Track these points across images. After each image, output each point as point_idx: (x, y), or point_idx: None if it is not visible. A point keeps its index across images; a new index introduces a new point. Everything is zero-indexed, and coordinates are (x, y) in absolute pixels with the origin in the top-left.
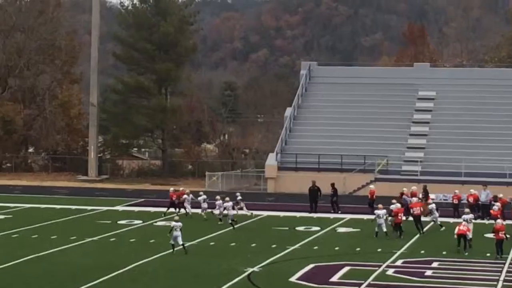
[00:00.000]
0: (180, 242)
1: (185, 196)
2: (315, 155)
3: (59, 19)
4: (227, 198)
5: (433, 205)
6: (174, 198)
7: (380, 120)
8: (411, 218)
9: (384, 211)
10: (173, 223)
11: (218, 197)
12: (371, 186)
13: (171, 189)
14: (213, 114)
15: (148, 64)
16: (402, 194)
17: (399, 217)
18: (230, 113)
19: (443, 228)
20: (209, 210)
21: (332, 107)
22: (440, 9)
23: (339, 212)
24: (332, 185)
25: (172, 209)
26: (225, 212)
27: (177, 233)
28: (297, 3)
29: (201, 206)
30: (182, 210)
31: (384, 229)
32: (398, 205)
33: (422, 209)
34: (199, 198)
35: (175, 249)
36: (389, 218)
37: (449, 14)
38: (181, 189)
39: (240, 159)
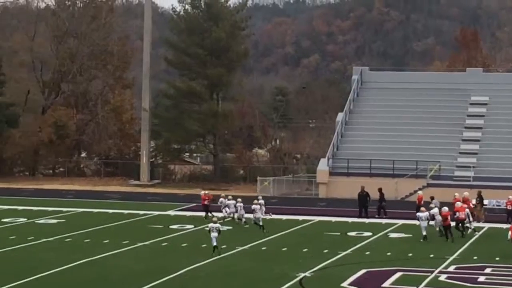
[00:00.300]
0: (214, 244)
1: (221, 199)
2: (367, 160)
3: (112, 25)
4: (239, 199)
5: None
6: (205, 202)
7: (432, 125)
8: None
9: (426, 213)
10: (211, 225)
11: (230, 197)
12: (419, 192)
13: (202, 192)
14: (265, 119)
15: (199, 69)
16: (432, 198)
17: (448, 221)
18: (282, 118)
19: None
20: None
21: (384, 112)
22: (492, 13)
23: (385, 217)
24: (380, 190)
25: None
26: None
27: (214, 234)
28: (348, 8)
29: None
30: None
31: (424, 233)
32: (445, 208)
33: (474, 214)
34: (227, 202)
35: (215, 251)
36: (432, 222)
37: (502, 18)
38: (204, 192)
39: (291, 164)
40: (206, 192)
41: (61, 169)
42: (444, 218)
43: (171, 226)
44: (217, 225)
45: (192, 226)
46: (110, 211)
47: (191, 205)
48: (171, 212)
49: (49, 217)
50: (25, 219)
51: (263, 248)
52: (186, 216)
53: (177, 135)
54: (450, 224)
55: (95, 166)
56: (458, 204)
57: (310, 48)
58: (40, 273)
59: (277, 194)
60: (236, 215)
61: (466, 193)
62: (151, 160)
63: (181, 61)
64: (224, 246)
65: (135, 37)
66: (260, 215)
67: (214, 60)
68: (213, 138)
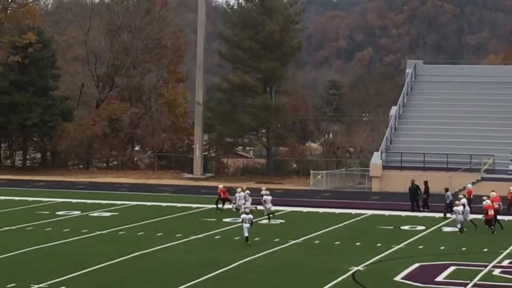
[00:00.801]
0: (246, 234)
1: (242, 192)
2: (420, 154)
3: (165, 18)
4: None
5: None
6: (222, 195)
7: (486, 119)
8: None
9: (461, 207)
10: (243, 216)
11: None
12: (469, 185)
13: (221, 186)
14: (318, 113)
15: (253, 62)
16: (446, 190)
17: (489, 213)
18: (335, 112)
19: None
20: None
21: (437, 106)
22: None
23: (427, 210)
24: (425, 183)
25: (228, 205)
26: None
27: (247, 224)
28: (402, 2)
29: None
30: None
31: (458, 226)
32: (488, 201)
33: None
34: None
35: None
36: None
37: None
38: (220, 186)
39: (344, 158)
40: (221, 186)
41: (115, 162)
42: (486, 211)
43: (224, 220)
44: (250, 216)
45: None
46: (164, 204)
47: None
48: (224, 206)
49: (103, 210)
50: (79, 212)
51: (316, 242)
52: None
53: (230, 128)
54: (492, 217)
55: (149, 159)
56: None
57: (364, 41)
58: (93, 265)
59: (330, 188)
60: (235, 205)
61: None
62: (204, 153)
63: (234, 54)
64: (277, 240)
65: (188, 31)
66: (271, 205)
67: (267, 53)
68: (266, 132)
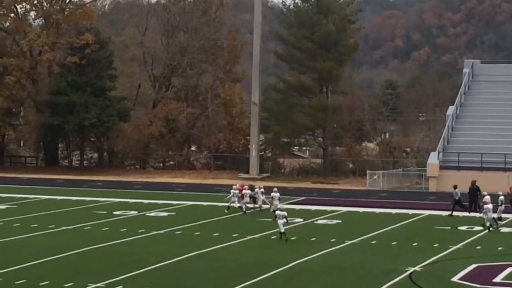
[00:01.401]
0: (282, 230)
1: (256, 189)
2: (478, 154)
3: (222, 19)
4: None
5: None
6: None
7: None
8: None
9: (491, 205)
10: (278, 212)
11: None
12: None
13: (237, 185)
14: (374, 113)
15: (309, 63)
16: (455, 187)
17: None
18: (391, 112)
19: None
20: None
21: (495, 105)
22: None
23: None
24: (473, 182)
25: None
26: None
27: (281, 221)
28: (459, 1)
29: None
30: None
31: (488, 224)
32: None
33: None
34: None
35: (282, 237)
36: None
37: None
38: (237, 185)
39: (401, 158)
40: (236, 185)
41: (171, 162)
42: None
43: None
44: (284, 212)
45: (301, 219)
46: (220, 204)
47: (300, 199)
48: (280, 206)
49: (160, 210)
50: (136, 212)
51: (373, 242)
52: (296, 209)
53: (286, 128)
54: None
55: (205, 159)
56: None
57: (420, 41)
58: (150, 265)
59: (387, 188)
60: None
61: None
62: (260, 153)
63: (290, 54)
64: (333, 240)
65: (245, 31)
66: (277, 202)
67: (323, 53)
68: (322, 132)
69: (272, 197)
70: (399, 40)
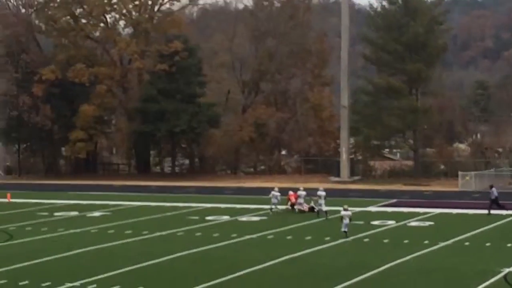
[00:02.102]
0: (343, 229)
1: (272, 193)
2: None
3: (309, 23)
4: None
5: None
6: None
7: None
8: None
9: None
10: (343, 213)
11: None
12: None
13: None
14: (465, 114)
15: (398, 65)
16: (491, 186)
17: None
18: (482, 112)
19: None
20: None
21: None
22: None
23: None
24: (491, 186)
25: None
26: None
27: (346, 221)
28: None
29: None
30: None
31: None
32: None
33: None
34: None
35: (348, 238)
36: None
37: None
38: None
39: (493, 158)
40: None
41: (262, 167)
42: None
43: (372, 222)
44: (349, 213)
45: (394, 221)
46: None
47: (392, 201)
48: (372, 208)
49: (252, 214)
50: (228, 217)
51: (466, 244)
52: (388, 212)
53: (376, 131)
54: None
55: (295, 163)
56: None
57: (511, 40)
58: (243, 269)
59: (479, 189)
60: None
61: None
62: (351, 156)
63: (379, 57)
64: (427, 242)
65: (332, 35)
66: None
67: (412, 55)
68: (412, 134)
69: (319, 196)
70: (488, 40)
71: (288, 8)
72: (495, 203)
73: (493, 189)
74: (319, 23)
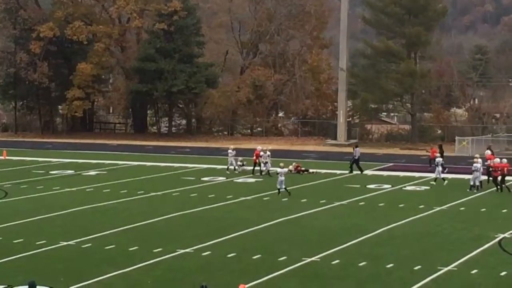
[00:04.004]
0: (283, 186)
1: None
2: None
3: None
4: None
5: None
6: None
7: None
8: None
9: (480, 164)
10: (279, 170)
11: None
12: None
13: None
14: (463, 78)
15: (397, 28)
16: (356, 146)
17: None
18: (481, 77)
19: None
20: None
21: None
22: None
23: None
24: (440, 146)
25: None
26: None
27: (282, 178)
28: None
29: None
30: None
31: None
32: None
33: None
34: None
35: (281, 192)
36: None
37: None
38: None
39: (490, 124)
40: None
41: (259, 128)
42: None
43: (368, 186)
44: (284, 169)
45: (390, 186)
46: (312, 170)
47: (388, 165)
48: (369, 172)
49: (247, 176)
50: (224, 178)
51: (461, 209)
52: (384, 175)
53: (374, 94)
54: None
55: (293, 125)
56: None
57: (511, 5)
58: (238, 231)
59: (476, 154)
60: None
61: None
62: (348, 119)
63: (378, 20)
64: (422, 206)
65: None
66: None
67: (412, 19)
68: (410, 98)
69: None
70: (488, 4)
71: None
72: (356, 163)
73: (357, 149)
74: None
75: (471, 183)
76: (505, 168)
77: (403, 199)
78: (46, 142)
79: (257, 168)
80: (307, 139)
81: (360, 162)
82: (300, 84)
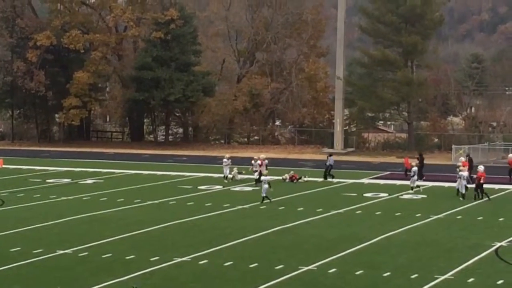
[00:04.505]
0: (263, 194)
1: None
2: None
3: None
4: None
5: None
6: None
7: None
8: None
9: (466, 173)
10: (263, 177)
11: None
12: None
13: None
14: (460, 87)
15: (394, 37)
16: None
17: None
18: (477, 86)
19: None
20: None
21: None
22: None
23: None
24: (420, 154)
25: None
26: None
27: (266, 185)
28: None
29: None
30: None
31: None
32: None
33: None
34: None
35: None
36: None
37: None
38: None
39: (487, 132)
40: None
41: (256, 137)
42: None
43: (364, 194)
44: (268, 177)
45: (386, 194)
46: (305, 178)
47: (385, 173)
48: (365, 180)
49: (245, 184)
50: (221, 187)
51: (458, 217)
52: (380, 184)
53: (371, 103)
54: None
55: (289, 134)
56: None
57: (507, 14)
58: (235, 239)
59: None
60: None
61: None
62: (345, 128)
63: (375, 29)
64: (419, 215)
65: (329, 5)
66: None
67: (408, 27)
68: (407, 106)
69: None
70: (485, 13)
71: None
72: (328, 171)
73: (330, 157)
74: None
75: (462, 191)
76: (481, 177)
77: (400, 207)
78: (43, 150)
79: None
80: (304, 147)
81: (357, 170)
82: (297, 92)
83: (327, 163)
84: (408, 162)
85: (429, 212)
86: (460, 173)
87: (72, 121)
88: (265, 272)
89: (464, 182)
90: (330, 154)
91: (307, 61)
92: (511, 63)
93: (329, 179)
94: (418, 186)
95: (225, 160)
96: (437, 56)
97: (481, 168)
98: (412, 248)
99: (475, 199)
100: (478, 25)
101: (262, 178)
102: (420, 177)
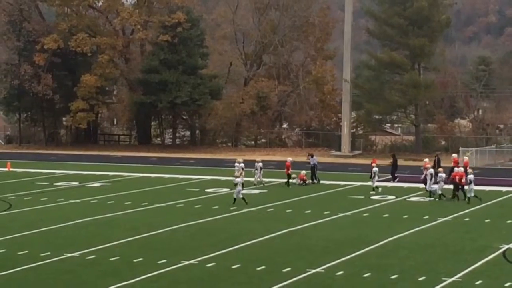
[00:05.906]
0: (240, 196)
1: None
2: None
3: None
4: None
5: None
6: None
7: None
8: None
9: (444, 174)
10: (236, 180)
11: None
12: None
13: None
14: (467, 89)
15: (401, 39)
16: (312, 156)
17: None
18: (484, 88)
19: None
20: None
21: None
22: None
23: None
24: (393, 155)
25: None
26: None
27: (239, 188)
28: None
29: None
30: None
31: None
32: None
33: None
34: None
35: (235, 202)
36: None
37: None
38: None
39: (494, 135)
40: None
41: (263, 140)
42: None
43: (372, 197)
44: (239, 179)
45: (394, 197)
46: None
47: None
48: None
49: (251, 187)
50: (228, 190)
51: (466, 220)
52: (388, 186)
53: (378, 106)
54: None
55: (297, 137)
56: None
57: None
58: (242, 242)
59: (480, 165)
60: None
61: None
62: (352, 131)
63: (382, 31)
64: (426, 217)
65: (336, 8)
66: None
67: (415, 30)
68: (414, 109)
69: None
70: (492, 15)
71: None
72: (313, 171)
73: (314, 158)
74: None
75: (439, 192)
76: (457, 177)
77: (407, 210)
78: (50, 154)
79: (291, 181)
80: (311, 150)
81: (364, 173)
82: (304, 95)
83: (312, 163)
84: (375, 162)
85: (436, 214)
86: (440, 174)
87: (80, 124)
88: (273, 275)
89: (442, 184)
90: (312, 155)
91: (314, 64)
92: None
93: (315, 181)
94: (377, 187)
95: (236, 164)
96: (444, 59)
97: (461, 168)
98: (419, 250)
99: (452, 198)
100: (485, 27)
101: (236, 180)
102: (393, 179)
